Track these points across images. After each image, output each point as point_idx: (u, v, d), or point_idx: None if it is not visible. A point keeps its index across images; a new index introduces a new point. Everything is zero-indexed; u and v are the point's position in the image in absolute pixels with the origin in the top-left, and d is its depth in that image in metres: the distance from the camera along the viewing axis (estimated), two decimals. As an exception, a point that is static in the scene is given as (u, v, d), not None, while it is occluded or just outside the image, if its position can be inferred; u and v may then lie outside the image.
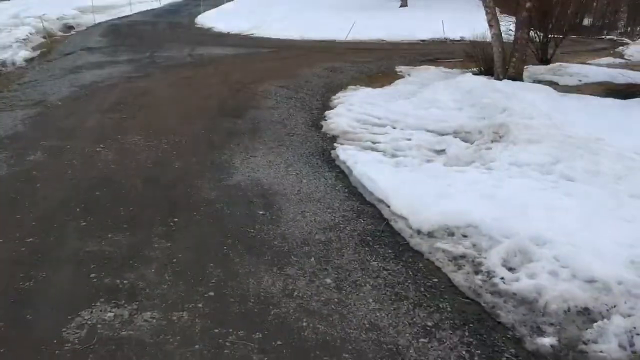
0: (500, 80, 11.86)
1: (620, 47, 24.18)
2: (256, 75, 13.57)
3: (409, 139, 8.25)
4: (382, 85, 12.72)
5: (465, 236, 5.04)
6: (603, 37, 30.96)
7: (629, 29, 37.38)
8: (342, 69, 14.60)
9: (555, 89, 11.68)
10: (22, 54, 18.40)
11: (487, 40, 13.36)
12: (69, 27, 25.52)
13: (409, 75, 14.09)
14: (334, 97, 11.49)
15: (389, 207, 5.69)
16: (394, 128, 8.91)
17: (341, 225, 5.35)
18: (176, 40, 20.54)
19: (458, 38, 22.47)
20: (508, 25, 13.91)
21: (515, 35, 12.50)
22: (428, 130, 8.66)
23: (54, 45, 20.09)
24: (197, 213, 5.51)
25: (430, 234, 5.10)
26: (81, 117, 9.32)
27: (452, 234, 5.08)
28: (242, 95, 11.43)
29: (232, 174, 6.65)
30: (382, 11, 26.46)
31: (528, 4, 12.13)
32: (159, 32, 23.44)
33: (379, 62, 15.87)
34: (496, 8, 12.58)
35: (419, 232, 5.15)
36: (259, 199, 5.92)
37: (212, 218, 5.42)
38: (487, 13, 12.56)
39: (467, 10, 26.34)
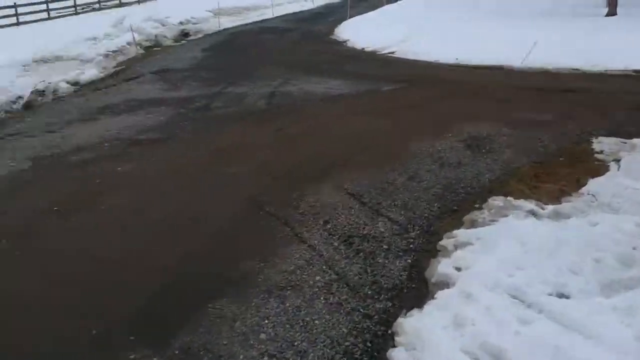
0: None
1: None
2: (332, 150, 7.85)
3: None
4: (559, 195, 6.31)
5: None
6: None
7: None
8: (490, 141, 8.20)
9: None
10: (88, 74, 14.63)
11: None
12: (185, 35, 21.76)
13: (617, 164, 7.23)
14: (447, 239, 5.43)
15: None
16: None
17: None
18: (284, 61, 15.42)
19: None
20: None
21: None
22: None
23: (135, 62, 16.10)
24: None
25: None
26: None
27: None
28: (259, 220, 5.81)
29: None
30: (579, 21, 18.47)
31: None
32: (277, 46, 18.49)
33: (561, 124, 8.98)
34: None
35: None
36: None
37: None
38: None
39: None
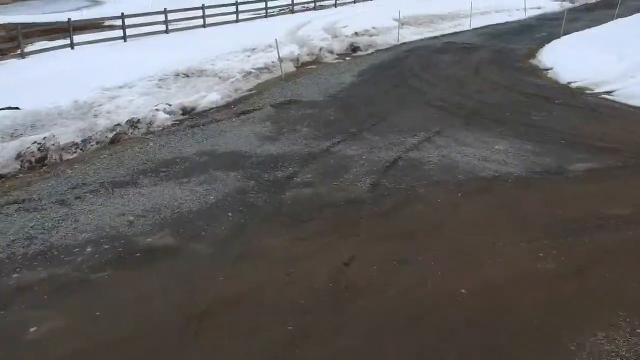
0: None
1: None
2: (400, 340, 4.07)
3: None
4: None
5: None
6: None
7: None
8: None
9: None
10: (209, 100, 12.32)
11: None
12: (353, 49, 18.70)
13: None
14: None
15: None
16: None
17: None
18: (445, 100, 11.54)
19: None
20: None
21: None
22: None
23: (272, 86, 13.47)
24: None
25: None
26: None
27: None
28: None
29: None
30: None
31: None
32: (451, 73, 14.36)
33: None
34: None
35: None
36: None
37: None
38: None
39: None
